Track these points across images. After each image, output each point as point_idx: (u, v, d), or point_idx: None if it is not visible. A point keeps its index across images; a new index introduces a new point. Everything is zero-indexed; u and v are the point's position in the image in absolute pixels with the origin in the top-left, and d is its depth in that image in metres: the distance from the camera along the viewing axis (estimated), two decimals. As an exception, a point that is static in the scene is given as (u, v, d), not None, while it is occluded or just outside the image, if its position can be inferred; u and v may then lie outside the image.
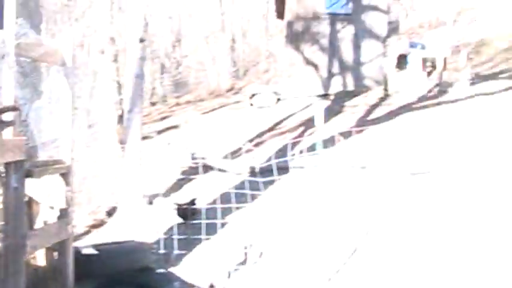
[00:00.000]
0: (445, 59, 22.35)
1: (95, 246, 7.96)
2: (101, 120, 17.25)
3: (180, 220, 10.93)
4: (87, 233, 11.32)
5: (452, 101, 17.75)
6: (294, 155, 12.58)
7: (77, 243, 10.06)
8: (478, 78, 22.37)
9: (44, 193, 6.90)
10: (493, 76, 23.26)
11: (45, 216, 6.72)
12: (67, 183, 6.67)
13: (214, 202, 10.78)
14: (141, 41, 11.64)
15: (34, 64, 9.86)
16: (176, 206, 11.17)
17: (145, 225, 11.13)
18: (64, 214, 6.66)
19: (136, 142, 11.66)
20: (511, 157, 10.97)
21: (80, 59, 19.55)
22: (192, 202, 11.14)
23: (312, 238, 9.32)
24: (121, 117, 16.45)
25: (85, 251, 7.69)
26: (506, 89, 18.10)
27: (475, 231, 8.57)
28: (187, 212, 10.85)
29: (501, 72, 24.71)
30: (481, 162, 11.02)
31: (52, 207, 6.77)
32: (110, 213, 12.05)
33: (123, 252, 7.99)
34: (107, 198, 12.45)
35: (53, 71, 9.11)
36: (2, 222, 5.56)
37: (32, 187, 6.27)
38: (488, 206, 9.29)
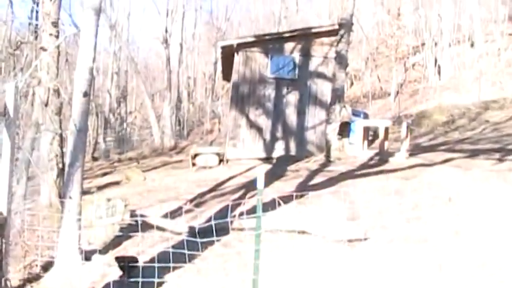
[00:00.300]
0: (386, 129, 22.67)
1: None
2: (41, 172, 17.03)
3: (117, 277, 10.79)
4: (21, 286, 11.09)
5: (392, 170, 17.97)
6: (234, 216, 12.56)
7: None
8: (417, 149, 22.74)
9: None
10: (433, 148, 23.65)
11: (-23, 267, 6.57)
12: (3, 235, 6.53)
13: (152, 260, 10.68)
14: (86, 95, 11.57)
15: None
16: (116, 258, 11.04)
17: (81, 281, 10.96)
18: (-2, 266, 6.53)
19: (76, 197, 11.52)
20: (447, 227, 11.12)
21: (22, 110, 19.40)
22: (133, 258, 11.02)
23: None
24: (62, 170, 16.26)
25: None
26: (444, 161, 18.42)
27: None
28: (125, 266, 10.72)
29: (440, 144, 25.16)
30: (417, 231, 11.14)
31: (-14, 259, 6.64)
32: (46, 267, 11.84)
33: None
34: (44, 252, 12.24)
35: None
36: None
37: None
38: (422, 274, 9.38)
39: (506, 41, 46.43)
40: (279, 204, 12.60)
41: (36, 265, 11.95)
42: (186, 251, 10.03)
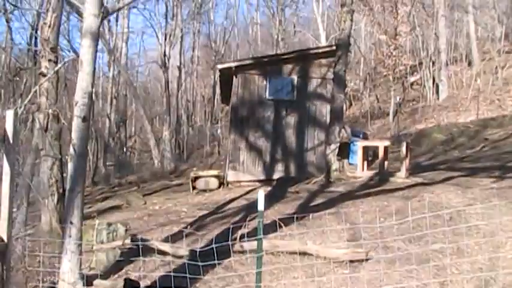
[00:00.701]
0: (386, 149, 22.68)
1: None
2: (41, 198, 17.03)
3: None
4: (22, 313, 11.09)
5: (392, 190, 17.96)
6: (235, 239, 12.56)
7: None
8: (417, 169, 22.74)
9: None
10: (432, 167, 23.65)
11: (-21, 294, 6.56)
12: (3, 262, 6.51)
13: (154, 284, 10.66)
14: (85, 120, 11.59)
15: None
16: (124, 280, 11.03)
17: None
18: (-1, 293, 6.51)
19: (76, 222, 11.51)
20: (449, 246, 11.10)
21: (22, 135, 19.44)
22: (132, 281, 11.00)
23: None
24: (62, 195, 16.27)
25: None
26: (444, 180, 18.43)
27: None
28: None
29: (440, 163, 25.17)
30: (419, 250, 11.13)
31: (-13, 286, 6.62)
32: (47, 293, 11.83)
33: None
34: (45, 277, 12.21)
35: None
36: None
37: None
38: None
39: (504, 59, 46.57)
40: (280, 226, 12.60)
41: (38, 291, 11.94)
42: (187, 275, 10.02)
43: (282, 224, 12.79)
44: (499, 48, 47.29)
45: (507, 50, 48.08)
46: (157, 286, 9.57)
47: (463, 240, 11.25)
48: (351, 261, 11.53)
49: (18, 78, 44.86)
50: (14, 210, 13.20)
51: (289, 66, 27.36)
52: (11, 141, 6.65)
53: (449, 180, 18.43)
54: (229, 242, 10.74)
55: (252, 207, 17.40)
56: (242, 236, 12.68)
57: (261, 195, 8.08)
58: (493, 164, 22.27)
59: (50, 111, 16.68)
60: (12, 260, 8.44)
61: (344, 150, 24.80)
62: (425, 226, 11.50)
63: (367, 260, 11.49)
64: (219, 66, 29.12)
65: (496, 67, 44.79)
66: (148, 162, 53.84)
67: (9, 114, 6.71)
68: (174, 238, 14.27)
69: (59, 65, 17.67)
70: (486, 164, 22.73)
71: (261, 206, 8.06)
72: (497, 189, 14.81)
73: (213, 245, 10.01)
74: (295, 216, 12.66)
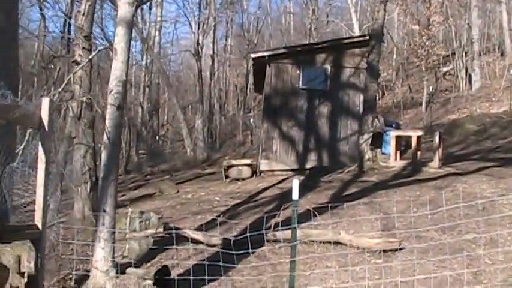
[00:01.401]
0: (418, 139, 22.56)
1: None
2: (74, 186, 17.12)
3: (151, 290, 10.80)
4: (56, 300, 11.15)
5: (425, 180, 17.86)
6: (268, 228, 12.55)
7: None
8: (450, 159, 22.58)
9: (13, 258, 6.78)
10: (465, 157, 23.48)
11: (13, 282, 6.56)
12: (38, 250, 6.53)
13: (187, 273, 10.68)
14: (118, 108, 11.62)
15: (9, 126, 9.78)
16: (154, 272, 11.04)
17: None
18: (33, 281, 6.51)
19: (110, 210, 11.55)
20: (482, 236, 11.02)
21: (56, 124, 19.53)
22: (166, 269, 11.02)
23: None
24: (95, 184, 16.33)
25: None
26: (476, 170, 18.28)
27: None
28: (161, 280, 10.73)
29: (472, 153, 24.99)
30: (452, 240, 11.06)
31: (21, 274, 6.63)
32: (80, 281, 11.87)
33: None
34: (78, 265, 12.28)
35: (28, 135, 9.02)
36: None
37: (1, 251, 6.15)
38: (458, 283, 9.30)
39: (536, 48, 46.11)
40: (314, 215, 12.58)
41: (71, 279, 12.00)
42: (220, 264, 10.04)
43: (316, 213, 12.77)
44: (531, 38, 46.75)
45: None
46: (191, 274, 9.57)
47: (496, 230, 11.16)
48: (384, 251, 11.50)
49: (51, 66, 45.14)
50: (48, 198, 13.29)
51: (322, 55, 27.24)
52: (47, 129, 6.66)
53: (482, 170, 18.29)
54: (263, 231, 10.72)
55: (284, 196, 17.39)
56: (275, 225, 12.68)
57: (295, 184, 8.05)
58: (526, 155, 22.09)
59: (84, 99, 16.74)
60: (46, 248, 8.48)
61: (377, 140, 24.68)
62: (458, 216, 11.45)
63: (400, 249, 11.46)
64: (252, 55, 29.06)
65: (529, 57, 44.33)
66: (180, 151, 53.90)
67: (45, 102, 6.71)
68: (207, 227, 14.28)
69: (93, 53, 17.74)
70: (519, 155, 22.54)
71: (295, 195, 8.03)
72: (529, 179, 14.72)
73: (247, 234, 10.01)
74: (328, 205, 12.62)
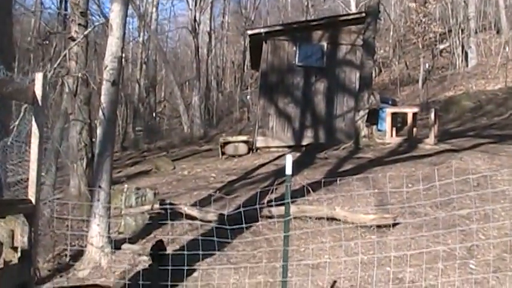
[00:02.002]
0: (414, 115, 22.60)
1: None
2: (70, 162, 17.12)
3: (146, 266, 10.85)
4: (50, 276, 11.17)
5: (420, 157, 17.89)
6: (263, 204, 12.58)
7: (40, 287, 9.96)
8: (446, 135, 22.64)
9: (6, 233, 6.79)
10: (461, 134, 23.55)
11: (7, 257, 6.57)
12: (32, 224, 6.52)
13: (182, 249, 10.72)
14: (114, 84, 11.63)
15: (3, 101, 9.76)
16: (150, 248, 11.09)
17: (111, 270, 11.03)
18: (27, 256, 6.50)
19: (105, 186, 11.59)
20: (476, 212, 11.08)
21: (51, 100, 19.49)
22: (161, 244, 11.04)
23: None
24: (91, 160, 16.34)
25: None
26: (472, 147, 18.32)
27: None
28: (155, 255, 10.77)
29: (468, 130, 25.06)
30: (446, 216, 11.11)
31: (15, 248, 6.64)
32: (76, 257, 11.91)
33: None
34: (73, 241, 12.32)
35: (23, 110, 9.00)
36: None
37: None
38: (452, 258, 9.35)
39: (532, 26, 46.15)
40: (308, 191, 12.61)
41: (66, 255, 12.04)
42: (215, 239, 10.07)
43: (310, 189, 12.81)
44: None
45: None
46: (185, 250, 9.60)
47: (490, 205, 11.21)
48: (378, 227, 11.56)
49: (47, 43, 44.97)
50: (43, 174, 13.30)
51: (319, 32, 27.23)
52: (40, 104, 6.65)
53: (477, 147, 18.34)
54: (257, 207, 10.74)
55: (280, 172, 17.40)
56: (270, 201, 12.71)
57: (288, 159, 8.07)
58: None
59: (80, 75, 16.71)
60: (40, 224, 8.49)
61: (373, 117, 24.73)
62: (453, 192, 11.48)
63: (394, 225, 11.50)
64: (249, 32, 29.02)
65: (525, 35, 44.34)
66: (177, 127, 53.96)
67: (39, 77, 6.70)
68: (203, 203, 14.33)
69: (89, 29, 17.68)
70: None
71: (288, 170, 8.05)
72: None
73: (241, 210, 10.03)
74: (323, 181, 12.66)
